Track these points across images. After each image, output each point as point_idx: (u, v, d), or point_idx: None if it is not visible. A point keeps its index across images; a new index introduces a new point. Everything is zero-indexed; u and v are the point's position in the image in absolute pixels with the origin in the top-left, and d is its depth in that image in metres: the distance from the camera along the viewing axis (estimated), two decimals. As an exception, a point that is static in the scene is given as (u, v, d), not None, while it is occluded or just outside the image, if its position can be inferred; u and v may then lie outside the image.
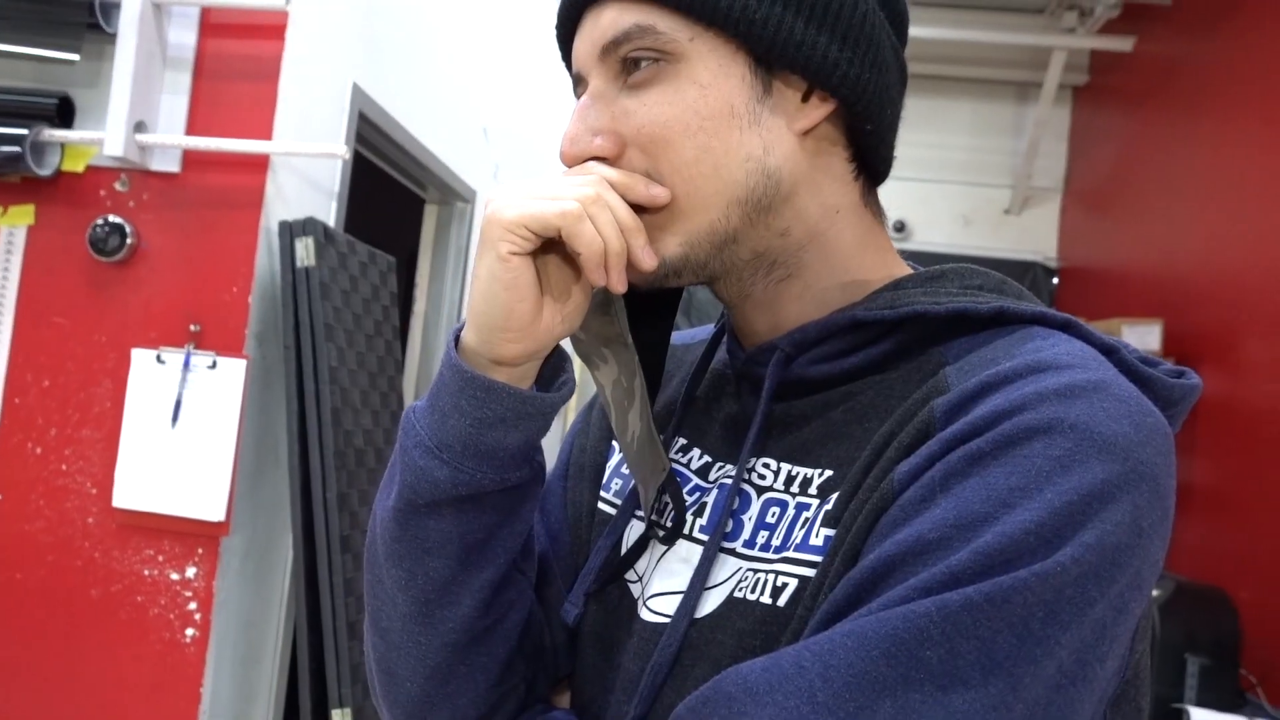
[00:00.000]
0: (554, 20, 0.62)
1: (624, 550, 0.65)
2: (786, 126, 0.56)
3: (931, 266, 0.61)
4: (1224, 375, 3.89)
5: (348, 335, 2.05)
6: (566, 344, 0.62)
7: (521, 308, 0.54)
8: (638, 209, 0.55)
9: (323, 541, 1.90)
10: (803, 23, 0.54)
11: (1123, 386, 0.49)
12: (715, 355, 0.69)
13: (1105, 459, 0.45)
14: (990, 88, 5.99)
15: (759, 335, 0.62)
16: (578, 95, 0.60)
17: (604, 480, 0.71)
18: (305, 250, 1.90)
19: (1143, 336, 4.24)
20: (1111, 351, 0.53)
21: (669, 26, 0.54)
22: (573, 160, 0.57)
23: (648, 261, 0.55)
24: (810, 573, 0.52)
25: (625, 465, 0.69)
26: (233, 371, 1.80)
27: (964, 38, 5.21)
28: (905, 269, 0.62)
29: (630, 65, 0.56)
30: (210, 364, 1.80)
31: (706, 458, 0.64)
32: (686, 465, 0.65)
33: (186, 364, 1.80)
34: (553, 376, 0.61)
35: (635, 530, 0.65)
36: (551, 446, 2.50)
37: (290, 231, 1.90)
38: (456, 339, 0.58)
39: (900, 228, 5.78)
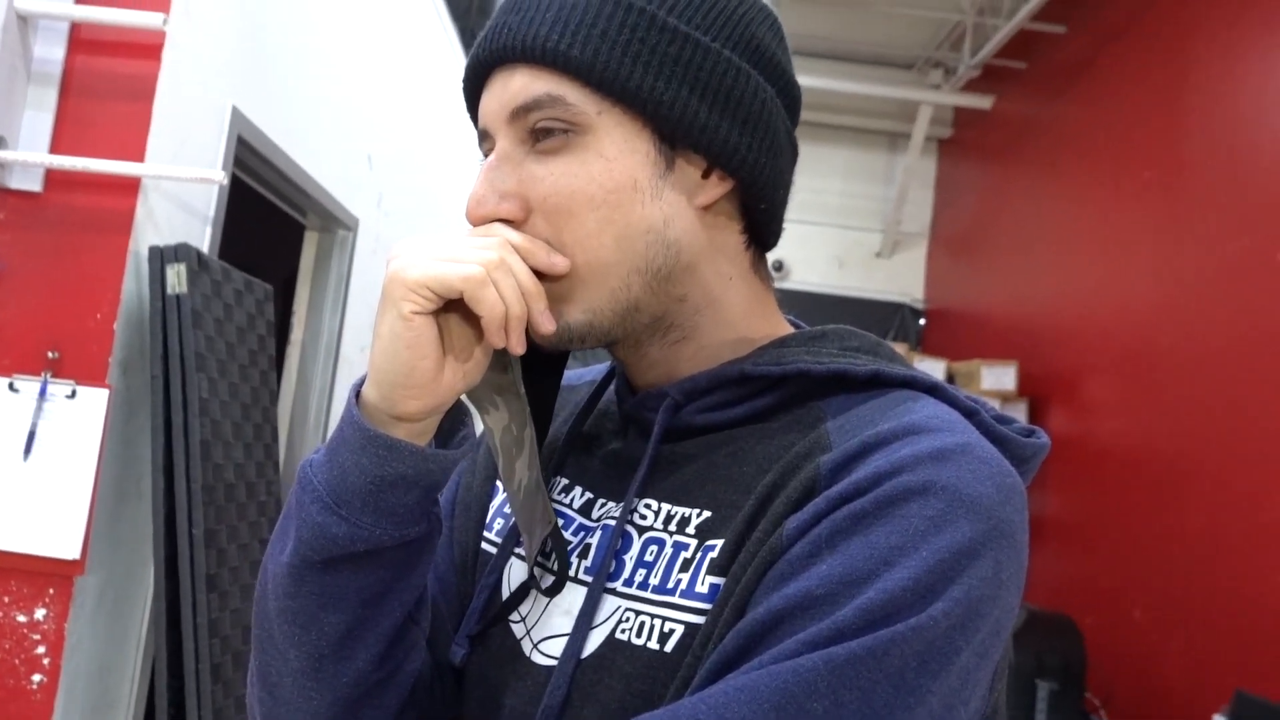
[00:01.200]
0: (462, 72, 0.63)
1: (506, 590, 0.66)
2: (687, 201, 0.59)
3: (814, 328, 0.65)
4: (1071, 414, 4.18)
5: (220, 365, 1.98)
6: None
7: (423, 365, 0.55)
8: (540, 275, 0.57)
9: (187, 580, 1.81)
10: (706, 107, 0.57)
11: (985, 449, 0.54)
12: (603, 395, 0.72)
13: (972, 518, 0.49)
14: (864, 136, 6.31)
15: (650, 383, 0.65)
16: (483, 149, 0.62)
17: (487, 519, 0.72)
18: (176, 277, 1.83)
19: (1000, 377, 4.50)
20: (972, 414, 0.59)
21: (578, 99, 0.56)
22: (478, 221, 0.58)
23: (546, 325, 0.56)
24: (697, 620, 0.54)
25: (509, 506, 0.70)
26: (93, 401, 1.72)
27: (840, 88, 5.48)
28: (789, 329, 0.67)
29: (540, 133, 0.57)
30: (69, 393, 1.71)
31: (588, 494, 0.66)
32: (569, 505, 0.66)
33: (42, 393, 1.70)
34: (452, 430, 0.62)
35: (516, 569, 0.66)
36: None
37: (161, 257, 1.83)
38: (358, 394, 0.58)
39: (779, 268, 5.99)
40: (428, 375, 0.55)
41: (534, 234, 0.58)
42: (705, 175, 0.59)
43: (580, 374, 0.79)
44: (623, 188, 0.57)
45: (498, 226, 0.57)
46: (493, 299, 0.54)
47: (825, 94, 5.57)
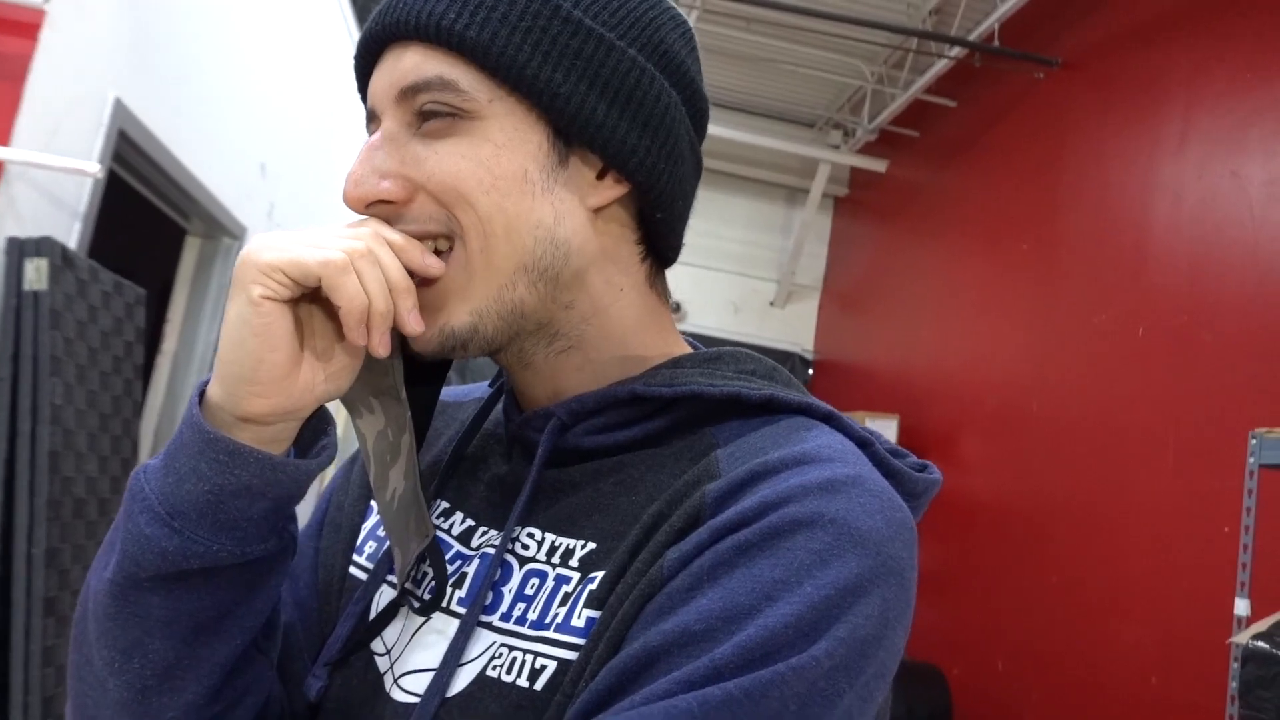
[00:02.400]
0: (354, 50, 0.59)
1: (372, 618, 0.61)
2: (579, 201, 0.56)
3: (710, 349, 0.63)
4: (946, 469, 4.33)
5: (79, 370, 1.84)
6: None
7: (273, 359, 0.50)
8: (418, 282, 0.53)
9: (20, 602, 1.66)
10: (605, 105, 0.55)
11: (876, 481, 0.52)
12: (489, 415, 0.67)
13: (859, 553, 0.47)
14: (764, 189, 6.47)
15: (537, 401, 0.61)
16: (369, 131, 0.58)
17: (358, 542, 0.66)
18: (36, 272, 1.70)
19: (881, 430, 4.63)
20: (866, 445, 0.56)
21: (471, 85, 0.53)
22: (356, 202, 0.54)
23: (414, 325, 0.52)
24: (570, 655, 0.51)
25: (382, 527, 0.65)
26: (-73, 401, 1.56)
27: (744, 140, 5.61)
28: (685, 348, 0.64)
29: (427, 114, 0.54)
30: (-101, 391, 1.55)
31: (469, 522, 0.61)
32: (448, 531, 0.62)
33: None
34: (313, 439, 0.56)
35: (387, 596, 0.61)
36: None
37: (20, 250, 1.70)
38: (202, 394, 0.52)
39: (676, 309, 6.05)
40: (277, 371, 0.50)
41: (421, 215, 0.54)
42: (600, 176, 0.57)
43: (467, 390, 0.74)
44: (512, 177, 0.54)
45: (373, 222, 0.54)
46: (353, 288, 0.49)
47: (730, 144, 5.69)
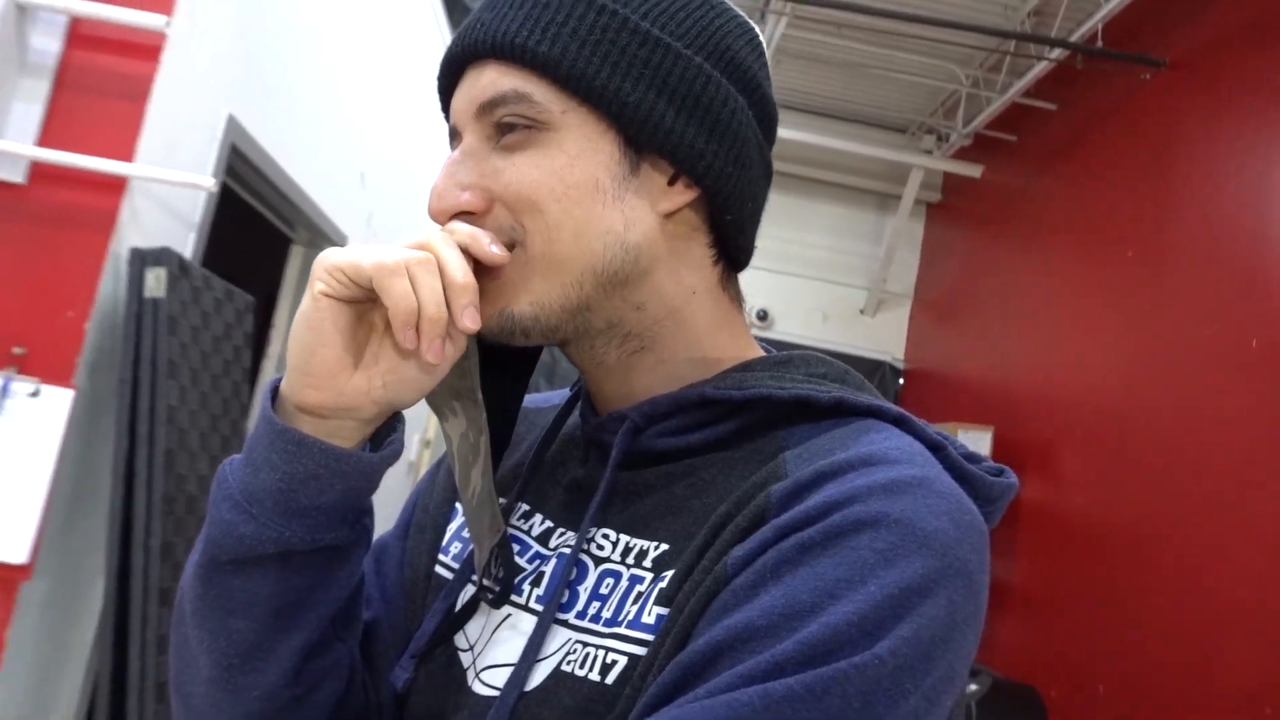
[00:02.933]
0: (437, 70, 0.62)
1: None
2: (650, 207, 0.58)
3: (781, 352, 0.63)
4: (1044, 484, 4.19)
5: (193, 373, 1.93)
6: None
7: (324, 353, 0.52)
8: (484, 268, 0.56)
9: (139, 593, 1.75)
10: (674, 112, 0.56)
11: (945, 483, 0.52)
12: (568, 419, 0.69)
13: (925, 554, 0.47)
14: (855, 195, 6.37)
15: (610, 402, 0.63)
16: (452, 147, 0.61)
17: (444, 543, 0.69)
18: (156, 280, 1.79)
19: (975, 442, 4.51)
20: (938, 448, 0.56)
21: (544, 97, 0.55)
22: (439, 214, 0.57)
23: (466, 323, 0.53)
24: (640, 651, 0.52)
25: (466, 527, 0.67)
26: (56, 402, 1.67)
27: (834, 146, 5.55)
28: (757, 351, 0.64)
29: (504, 128, 0.56)
30: (32, 391, 1.66)
31: (548, 523, 0.63)
32: (527, 532, 0.64)
33: (4, 390, 1.65)
34: (386, 435, 0.59)
35: (470, 595, 0.64)
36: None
37: (142, 260, 1.80)
38: (276, 388, 0.56)
39: (763, 316, 6.00)
40: (326, 366, 0.53)
41: (496, 224, 0.56)
42: (671, 182, 0.58)
43: (546, 396, 0.77)
44: (584, 185, 0.56)
45: (453, 223, 0.56)
46: (402, 290, 0.51)
47: (819, 150, 5.63)
